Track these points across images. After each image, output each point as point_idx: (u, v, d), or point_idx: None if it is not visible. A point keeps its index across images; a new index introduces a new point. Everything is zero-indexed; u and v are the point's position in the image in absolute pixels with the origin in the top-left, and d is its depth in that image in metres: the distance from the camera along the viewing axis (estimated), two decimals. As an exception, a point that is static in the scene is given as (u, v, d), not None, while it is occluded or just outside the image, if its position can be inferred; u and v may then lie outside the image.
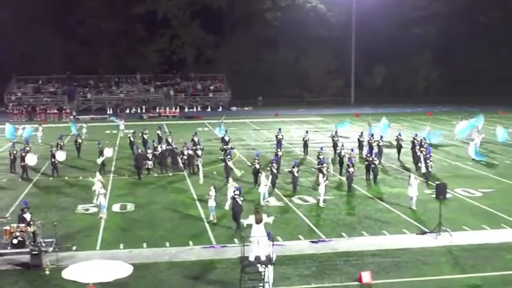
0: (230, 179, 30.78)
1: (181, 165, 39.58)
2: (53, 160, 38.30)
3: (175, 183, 35.99)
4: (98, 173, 32.52)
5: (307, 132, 46.93)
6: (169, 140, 42.43)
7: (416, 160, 39.46)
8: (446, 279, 20.87)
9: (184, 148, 39.52)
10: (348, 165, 34.17)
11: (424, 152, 37.11)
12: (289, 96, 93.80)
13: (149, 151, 39.11)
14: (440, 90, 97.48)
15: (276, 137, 46.45)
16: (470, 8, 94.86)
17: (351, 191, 33.28)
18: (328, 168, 34.71)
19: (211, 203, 27.63)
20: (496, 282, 20.47)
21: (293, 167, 33.41)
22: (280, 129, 47.64)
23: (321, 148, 38.51)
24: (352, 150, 38.55)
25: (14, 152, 39.84)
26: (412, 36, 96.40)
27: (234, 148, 44.36)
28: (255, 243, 18.99)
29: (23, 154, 38.53)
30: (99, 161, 38.80)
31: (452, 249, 23.67)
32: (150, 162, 38.36)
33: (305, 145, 44.96)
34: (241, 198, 26.91)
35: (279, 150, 39.42)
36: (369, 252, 23.42)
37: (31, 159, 38.59)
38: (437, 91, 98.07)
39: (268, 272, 18.96)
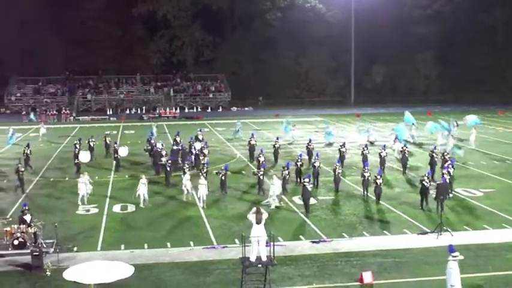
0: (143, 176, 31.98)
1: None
2: (76, 161, 38.88)
3: (176, 183, 35.90)
4: None
5: (277, 138, 44.89)
6: (178, 139, 42.90)
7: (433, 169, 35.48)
8: (447, 279, 20.83)
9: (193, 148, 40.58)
10: (283, 167, 33.55)
11: (446, 164, 33.34)
12: (289, 96, 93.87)
13: (160, 146, 40.19)
14: (440, 90, 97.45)
15: (249, 142, 44.30)
16: (472, 7, 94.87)
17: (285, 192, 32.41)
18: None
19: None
20: (497, 282, 20.42)
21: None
22: (253, 135, 45.51)
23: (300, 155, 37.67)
24: (338, 161, 35.63)
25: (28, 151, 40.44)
26: (412, 35, 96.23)
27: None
28: (255, 243, 18.96)
29: (77, 152, 39.45)
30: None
31: (453, 249, 23.62)
32: (164, 159, 38.51)
33: (276, 151, 42.56)
34: (311, 185, 29.36)
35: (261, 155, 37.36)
36: (370, 252, 23.39)
37: (84, 156, 39.46)
38: (438, 90, 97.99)
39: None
